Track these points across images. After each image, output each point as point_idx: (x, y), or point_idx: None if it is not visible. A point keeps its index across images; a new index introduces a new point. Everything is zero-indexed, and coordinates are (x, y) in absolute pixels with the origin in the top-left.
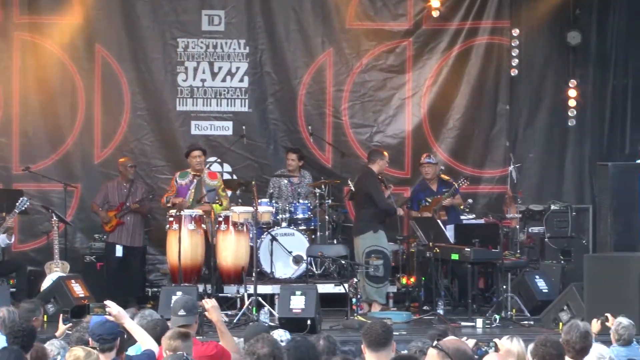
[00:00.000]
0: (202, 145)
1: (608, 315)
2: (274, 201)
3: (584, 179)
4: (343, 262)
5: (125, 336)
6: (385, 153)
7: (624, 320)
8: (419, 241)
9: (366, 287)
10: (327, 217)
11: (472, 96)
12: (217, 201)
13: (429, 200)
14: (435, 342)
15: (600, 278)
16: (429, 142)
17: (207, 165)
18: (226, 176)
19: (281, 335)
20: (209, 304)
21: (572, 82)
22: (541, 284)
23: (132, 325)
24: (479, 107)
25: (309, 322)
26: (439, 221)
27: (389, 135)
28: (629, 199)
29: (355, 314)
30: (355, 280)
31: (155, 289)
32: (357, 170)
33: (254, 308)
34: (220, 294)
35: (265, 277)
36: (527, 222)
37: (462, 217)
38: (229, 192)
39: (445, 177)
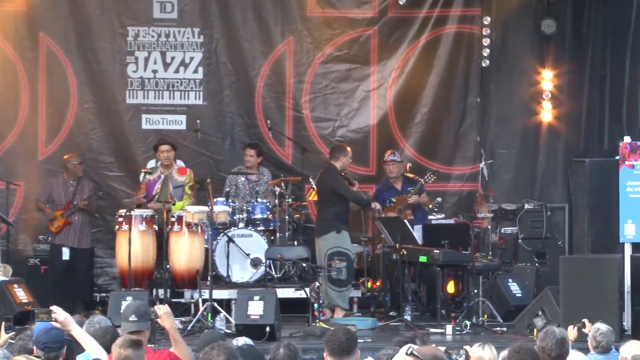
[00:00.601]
0: (171, 139)
1: (585, 321)
2: (230, 200)
3: (559, 176)
4: (304, 265)
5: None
6: (349, 149)
7: (602, 327)
8: (384, 242)
9: (329, 291)
10: (287, 217)
11: (440, 88)
12: (171, 200)
13: (394, 200)
14: (410, 348)
15: (577, 281)
16: (395, 137)
17: (159, 162)
18: None
19: (246, 342)
20: (162, 310)
21: (547, 74)
22: (514, 287)
23: (80, 332)
24: (448, 100)
25: (267, 329)
26: (406, 221)
27: (353, 130)
28: (608, 197)
29: (317, 320)
30: (317, 284)
31: (104, 294)
32: (318, 167)
33: (209, 314)
34: (173, 299)
35: (221, 281)
36: (500, 222)
37: (430, 217)
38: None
39: (410, 175)
